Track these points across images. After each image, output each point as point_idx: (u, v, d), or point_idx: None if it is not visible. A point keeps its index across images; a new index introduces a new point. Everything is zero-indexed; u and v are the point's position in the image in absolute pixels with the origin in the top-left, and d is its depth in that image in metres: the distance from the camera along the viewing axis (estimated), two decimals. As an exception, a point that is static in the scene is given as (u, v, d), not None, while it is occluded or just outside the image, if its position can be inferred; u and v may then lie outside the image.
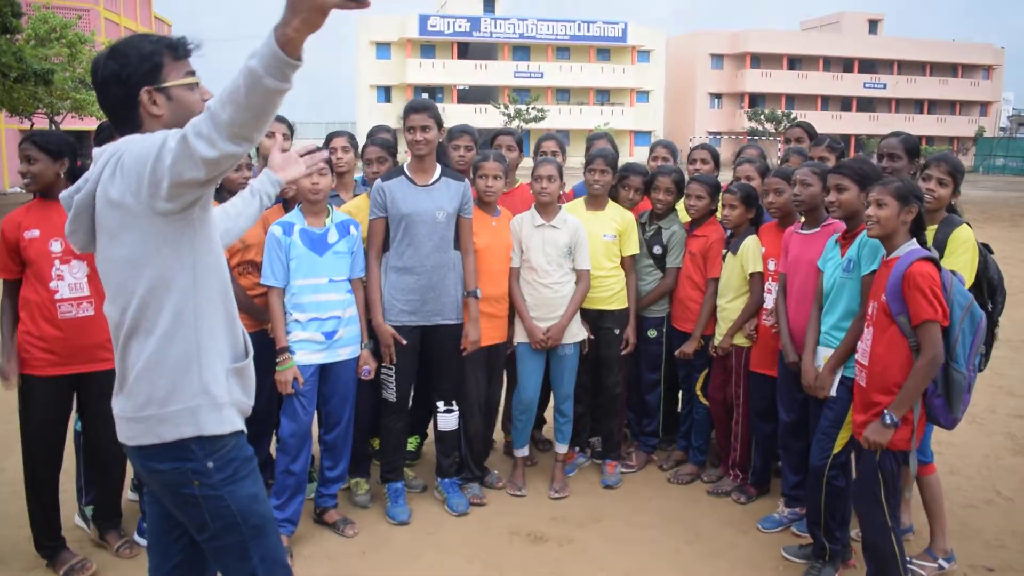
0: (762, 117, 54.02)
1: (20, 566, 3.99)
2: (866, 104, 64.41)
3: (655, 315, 5.08)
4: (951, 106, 66.50)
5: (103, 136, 4.14)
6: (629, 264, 4.95)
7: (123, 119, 2.23)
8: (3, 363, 3.75)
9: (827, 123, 60.73)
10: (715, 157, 5.38)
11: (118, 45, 2.24)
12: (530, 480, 4.98)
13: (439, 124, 4.36)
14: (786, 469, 4.46)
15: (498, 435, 5.56)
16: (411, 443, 5.25)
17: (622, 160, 5.25)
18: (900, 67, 64.35)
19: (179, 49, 2.25)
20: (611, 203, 4.99)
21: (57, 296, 3.74)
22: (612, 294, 4.90)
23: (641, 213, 5.13)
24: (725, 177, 5.18)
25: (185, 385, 2.22)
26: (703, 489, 4.92)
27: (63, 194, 2.27)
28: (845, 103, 64.16)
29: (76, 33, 27.08)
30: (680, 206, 5.09)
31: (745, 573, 4.01)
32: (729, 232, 4.83)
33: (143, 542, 4.17)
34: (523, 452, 4.98)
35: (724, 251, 4.80)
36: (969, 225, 3.85)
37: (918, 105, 65.72)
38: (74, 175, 3.84)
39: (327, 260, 4.13)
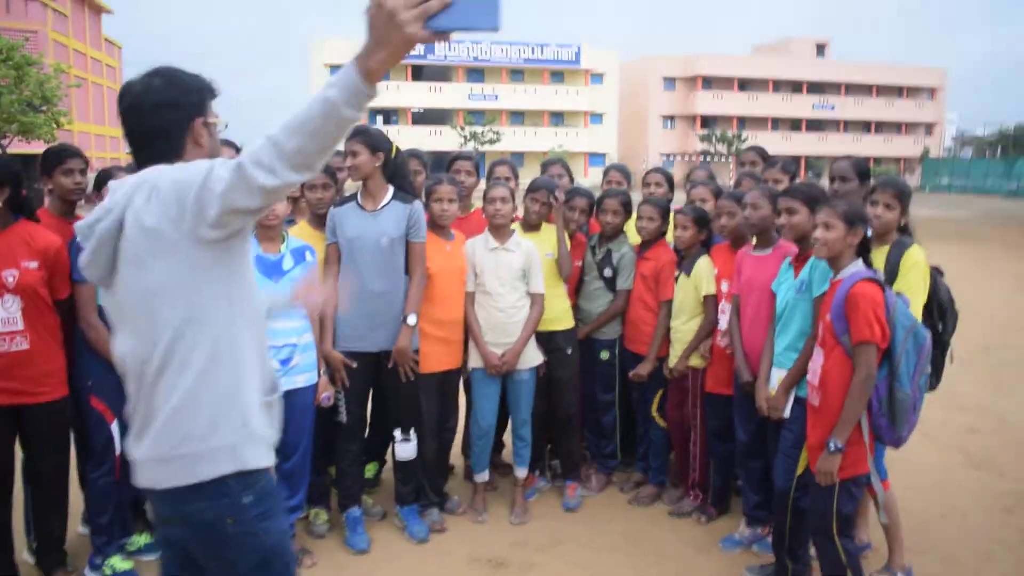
0: (714, 138, 54.77)
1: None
2: (815, 125, 65.78)
3: (607, 337, 5.09)
4: (897, 127, 68.21)
5: (101, 181, 4.15)
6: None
7: (165, 147, 2.18)
8: None
9: (778, 144, 62.01)
10: (669, 180, 5.44)
11: (168, 73, 2.22)
12: (491, 505, 4.95)
13: (373, 148, 4.32)
14: (746, 489, 4.48)
15: (458, 460, 5.53)
16: (369, 470, 5.19)
17: (578, 182, 5.28)
18: (847, 89, 65.91)
19: (214, 91, 2.28)
20: (544, 224, 5.01)
21: None
22: (560, 313, 4.93)
23: (591, 236, 5.16)
24: (679, 199, 5.23)
25: (226, 420, 2.12)
26: (664, 510, 4.93)
27: (78, 224, 2.16)
28: (795, 124, 65.47)
29: (23, 55, 26.61)
30: (629, 228, 5.12)
31: (706, 594, 4.00)
32: (680, 254, 4.86)
33: (94, 577, 4.08)
34: (483, 477, 4.95)
35: (676, 273, 4.83)
36: (919, 246, 3.93)
37: (865, 126, 67.31)
38: (18, 204, 3.75)
39: (283, 286, 4.08)
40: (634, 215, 5.06)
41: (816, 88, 65.52)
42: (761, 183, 4.69)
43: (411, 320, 4.35)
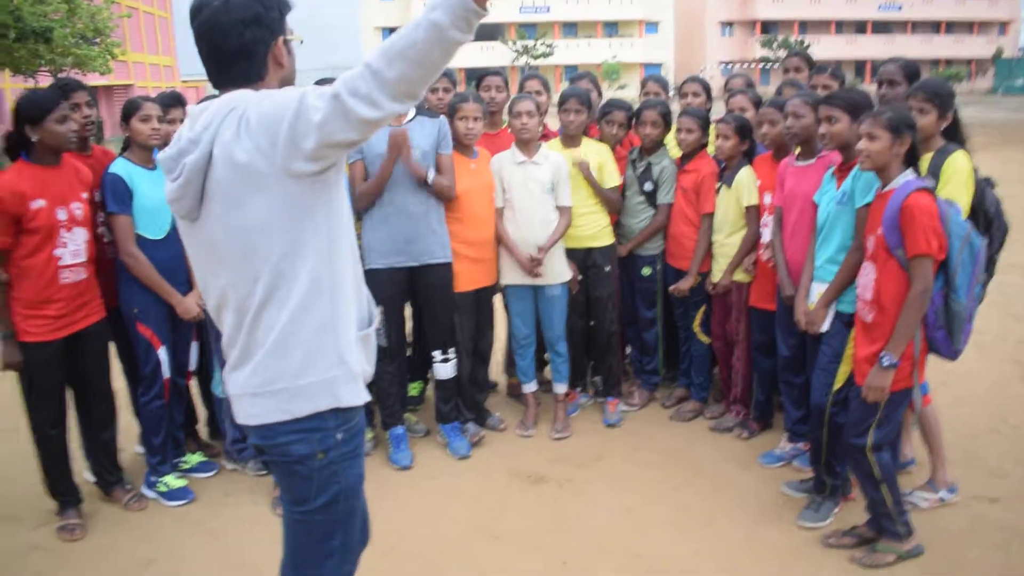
0: (775, 44, 52.95)
1: (33, 522, 4.06)
2: (881, 27, 62.98)
3: (649, 252, 5.01)
4: (968, 27, 64.87)
5: (129, 111, 4.09)
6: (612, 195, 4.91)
7: (248, 68, 2.02)
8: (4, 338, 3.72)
9: (841, 48, 59.84)
10: (707, 90, 5.25)
11: None
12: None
13: None
14: (787, 404, 4.43)
15: (501, 378, 5.58)
16: (414, 388, 5.26)
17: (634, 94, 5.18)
18: (916, -13, 62.80)
19: (290, 4, 2.11)
20: (585, 139, 4.91)
21: (60, 263, 3.73)
22: (598, 230, 4.86)
23: (631, 149, 5.04)
24: (719, 110, 5.07)
25: (321, 356, 2.05)
26: (706, 426, 4.92)
27: (161, 155, 2.03)
28: (860, 27, 62.81)
29: (74, -12, 26.67)
30: (670, 141, 4.99)
31: (745, 508, 4.01)
32: (722, 165, 4.73)
33: (152, 495, 4.24)
34: (532, 387, 5.00)
35: (717, 185, 4.71)
36: (967, 152, 3.74)
37: (935, 26, 64.16)
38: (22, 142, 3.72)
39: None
40: (674, 127, 4.93)
41: (882, -13, 62.63)
42: (804, 90, 4.50)
43: (430, 175, 4.33)
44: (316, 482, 2.12)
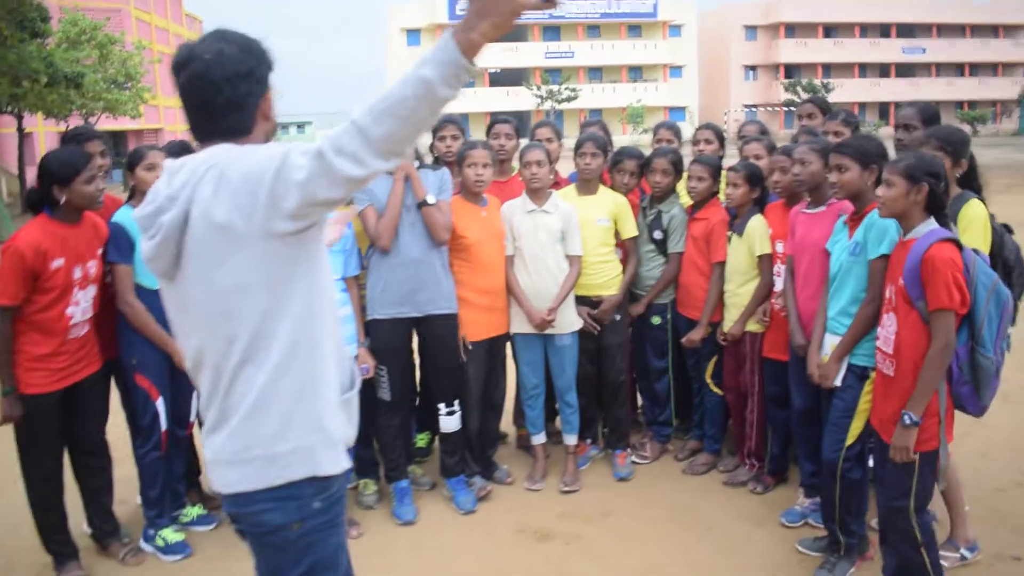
0: (799, 88, 53.02)
1: (26, 572, 4.00)
2: (905, 70, 63.02)
3: (659, 301, 4.93)
4: (993, 68, 64.75)
5: (132, 162, 4.08)
6: (631, 247, 4.82)
7: (237, 122, 1.98)
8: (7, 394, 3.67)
9: (866, 91, 59.86)
10: (719, 137, 5.20)
11: (238, 39, 2.00)
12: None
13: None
14: (802, 458, 4.30)
15: (511, 429, 5.47)
16: (421, 439, 5.18)
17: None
18: (939, 30, 62.83)
19: (272, 62, 2.09)
20: (603, 187, 4.86)
21: (71, 321, 3.74)
22: (609, 279, 4.78)
23: (642, 197, 4.98)
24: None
25: (299, 421, 1.98)
26: (719, 479, 4.77)
27: (137, 213, 1.99)
28: (884, 70, 62.86)
29: (106, 35, 27.41)
30: (681, 189, 4.92)
31: (759, 568, 3.86)
32: (733, 214, 4.65)
33: (149, 549, 4.17)
34: (540, 439, 4.89)
35: (728, 233, 4.63)
36: (983, 201, 3.64)
37: (959, 68, 64.12)
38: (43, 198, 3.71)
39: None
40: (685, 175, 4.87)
41: (905, 31, 62.62)
42: (818, 137, 4.43)
43: (430, 199, 4.27)
44: (290, 553, 2.03)
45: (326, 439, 2.03)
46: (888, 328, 3.28)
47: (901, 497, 3.23)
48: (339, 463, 2.07)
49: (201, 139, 2.02)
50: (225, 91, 1.95)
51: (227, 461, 2.00)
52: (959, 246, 3.12)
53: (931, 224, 3.16)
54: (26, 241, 3.55)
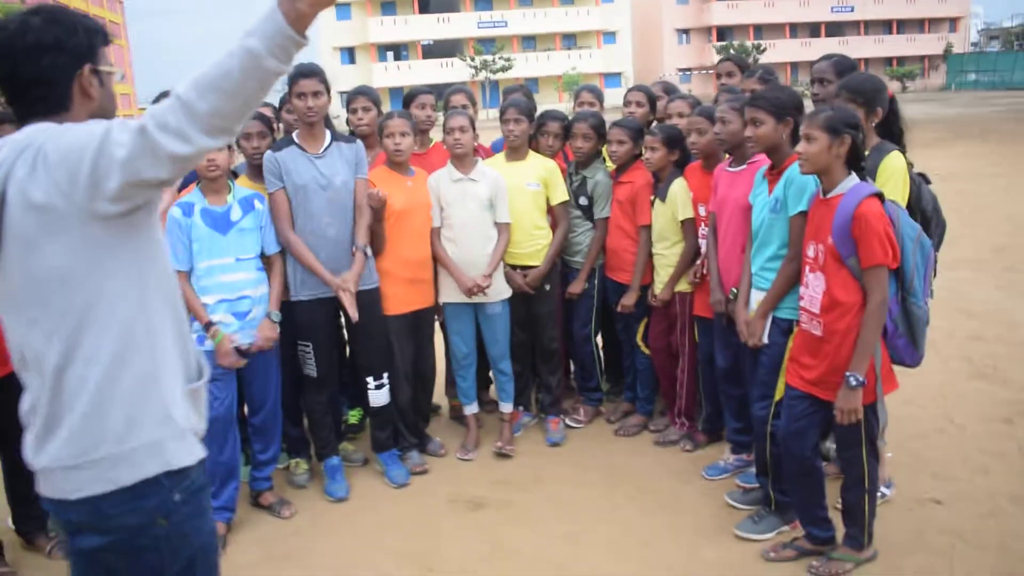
0: (731, 50, 53.42)
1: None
2: (835, 29, 63.78)
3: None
4: (920, 24, 65.89)
5: None
6: (560, 212, 4.79)
7: (47, 97, 1.87)
8: None
9: (797, 51, 60.51)
10: (651, 99, 5.14)
11: (53, 11, 1.90)
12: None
13: (328, 88, 4.16)
14: (727, 415, 4.36)
15: (443, 400, 5.45)
16: (353, 416, 5.13)
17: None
18: (867, -12, 63.69)
19: (105, 35, 1.97)
20: (532, 153, 4.81)
21: None
22: (542, 248, 4.75)
23: (568, 164, 4.95)
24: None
25: (145, 414, 1.87)
26: (650, 440, 4.82)
27: None
28: (814, 29, 63.56)
29: (12, 6, 26.33)
30: (607, 153, 4.91)
31: (686, 525, 3.91)
32: (656, 176, 4.65)
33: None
34: (472, 408, 4.88)
35: (652, 197, 4.63)
36: (903, 152, 3.68)
37: (887, 26, 65.14)
38: None
39: (231, 239, 3.94)
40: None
41: (835, -11, 63.45)
42: (737, 95, 4.43)
43: (368, 251, 4.25)
44: (165, 551, 1.93)
45: (174, 430, 1.93)
46: (815, 288, 3.27)
47: (855, 449, 3.29)
48: (192, 453, 1.98)
49: (19, 118, 1.91)
50: (26, 64, 1.85)
51: (68, 466, 1.85)
52: (883, 200, 3.14)
53: (853, 179, 3.17)
54: None
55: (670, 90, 5.31)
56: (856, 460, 3.31)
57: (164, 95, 2.21)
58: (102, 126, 1.71)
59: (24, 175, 1.75)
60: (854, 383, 3.11)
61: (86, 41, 1.90)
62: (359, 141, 4.36)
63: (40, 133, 1.79)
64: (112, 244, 1.80)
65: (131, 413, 1.86)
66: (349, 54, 56.08)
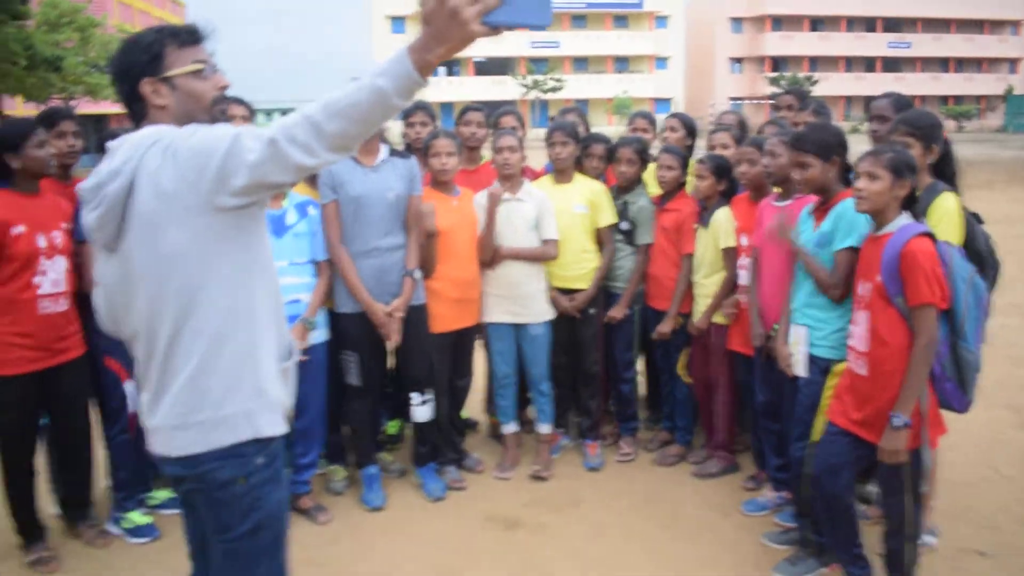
0: (784, 81, 53.11)
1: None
2: (891, 64, 63.22)
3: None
4: (978, 63, 65.06)
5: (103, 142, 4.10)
6: (607, 235, 4.80)
7: (133, 110, 2.19)
8: None
9: (851, 84, 60.06)
10: (687, 126, 5.16)
11: (126, 39, 2.22)
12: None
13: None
14: (767, 451, 4.31)
15: (482, 417, 5.47)
16: (392, 427, 5.17)
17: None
18: (924, 25, 63.02)
19: (183, 36, 2.18)
20: (578, 175, 4.84)
21: (39, 292, 3.68)
22: (589, 270, 4.77)
23: (611, 187, 4.96)
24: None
25: (240, 385, 2.13)
26: (688, 471, 4.79)
27: (82, 187, 2.12)
28: (869, 64, 63.04)
29: (87, 17, 27.16)
30: (648, 178, 4.91)
31: (724, 558, 3.88)
32: (702, 204, 4.65)
33: (116, 531, 4.17)
34: (511, 428, 4.89)
35: (695, 225, 4.62)
36: (956, 192, 3.64)
37: (944, 63, 64.37)
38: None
39: (286, 242, 4.03)
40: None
41: (891, 25, 62.82)
42: (784, 128, 4.42)
43: (416, 274, 4.29)
44: (239, 508, 2.17)
45: (266, 403, 2.18)
46: (861, 326, 3.25)
47: (900, 493, 3.22)
48: (278, 426, 2.23)
49: (135, 121, 2.20)
50: (116, 87, 2.19)
51: (173, 426, 2.12)
52: (934, 240, 3.11)
53: (906, 218, 3.15)
54: None
55: (742, 122, 5.25)
56: (898, 506, 3.26)
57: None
58: (232, 131, 1.97)
59: (154, 167, 2.00)
60: (898, 424, 3.06)
61: (145, 58, 2.15)
62: (414, 157, 4.42)
63: (165, 132, 2.05)
64: (225, 233, 2.05)
65: (229, 383, 2.11)
66: (401, 24, 56.60)
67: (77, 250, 3.96)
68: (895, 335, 3.11)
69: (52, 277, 3.72)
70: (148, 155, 2.01)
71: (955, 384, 3.17)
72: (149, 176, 2.00)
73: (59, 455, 4.12)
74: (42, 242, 3.67)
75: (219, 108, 2.27)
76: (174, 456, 2.15)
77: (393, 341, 4.22)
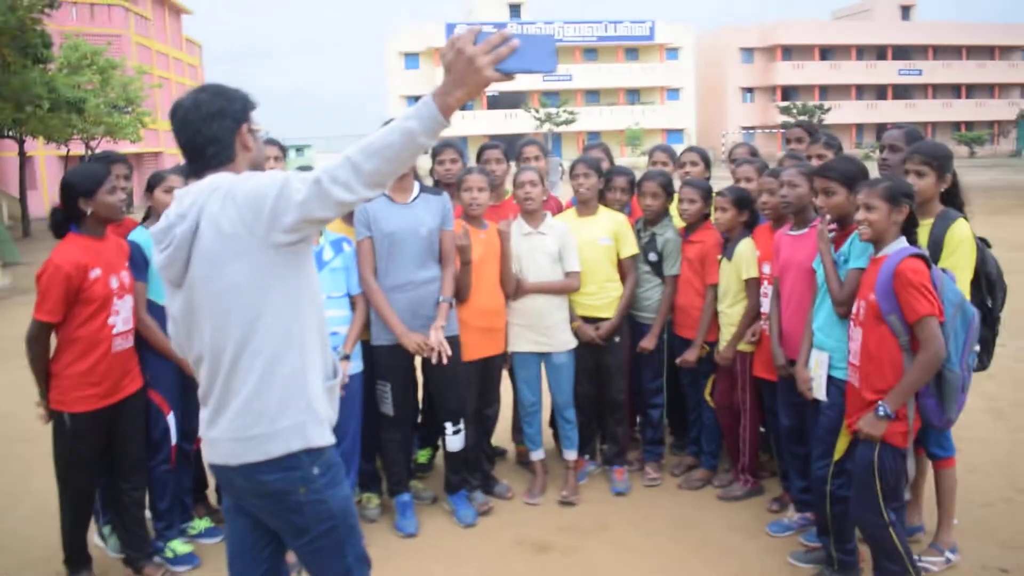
0: (795, 110, 53.36)
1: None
2: (902, 92, 63.49)
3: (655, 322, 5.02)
4: (989, 89, 65.20)
5: (152, 184, 4.31)
6: (629, 265, 4.93)
7: (218, 153, 2.37)
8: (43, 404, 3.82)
9: (862, 113, 60.20)
10: (705, 159, 5.33)
11: (214, 87, 2.43)
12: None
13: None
14: (792, 474, 4.41)
15: (510, 445, 5.58)
16: (422, 455, 5.29)
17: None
18: (935, 52, 63.38)
19: (254, 102, 2.47)
20: (602, 208, 4.98)
21: (114, 331, 3.84)
22: (613, 300, 4.90)
23: (637, 220, 5.11)
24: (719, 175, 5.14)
25: (293, 402, 2.35)
26: (714, 494, 4.88)
27: (154, 229, 2.38)
28: (880, 92, 63.34)
29: (107, 59, 27.72)
30: (674, 211, 5.06)
31: (751, 579, 3.96)
32: (725, 236, 4.79)
33: (180, 569, 4.22)
34: (539, 455, 5.00)
35: (719, 257, 4.76)
36: (966, 218, 3.78)
37: (955, 90, 64.56)
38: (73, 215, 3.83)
39: (324, 277, 4.17)
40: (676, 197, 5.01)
41: (901, 52, 63.17)
42: (803, 162, 4.57)
43: (452, 301, 4.44)
44: (308, 514, 2.41)
45: (315, 417, 2.40)
46: (856, 341, 3.46)
47: (870, 496, 3.38)
48: (326, 437, 2.45)
49: (195, 173, 2.40)
50: (202, 129, 2.35)
51: (232, 439, 2.36)
52: (927, 263, 3.28)
53: (902, 242, 3.34)
54: (63, 257, 3.68)
55: (754, 152, 5.42)
56: (880, 530, 3.40)
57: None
58: (282, 175, 2.21)
59: (216, 210, 2.25)
60: (881, 413, 3.27)
61: (241, 107, 2.42)
62: (445, 193, 4.57)
63: (225, 180, 2.30)
64: (279, 267, 2.29)
65: (283, 399, 2.34)
66: (416, 102, 57.37)
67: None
68: (883, 351, 3.31)
69: (123, 316, 3.89)
70: (211, 200, 2.25)
71: (936, 401, 3.33)
72: (211, 218, 2.24)
73: (115, 487, 4.16)
74: (114, 283, 3.83)
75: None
76: (233, 465, 2.38)
77: (442, 357, 4.30)
